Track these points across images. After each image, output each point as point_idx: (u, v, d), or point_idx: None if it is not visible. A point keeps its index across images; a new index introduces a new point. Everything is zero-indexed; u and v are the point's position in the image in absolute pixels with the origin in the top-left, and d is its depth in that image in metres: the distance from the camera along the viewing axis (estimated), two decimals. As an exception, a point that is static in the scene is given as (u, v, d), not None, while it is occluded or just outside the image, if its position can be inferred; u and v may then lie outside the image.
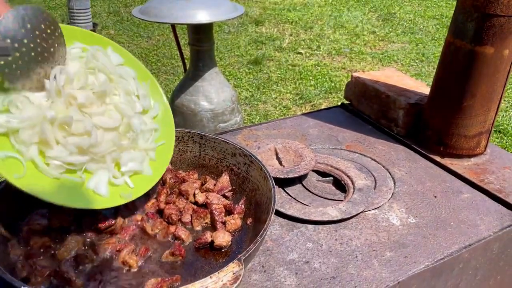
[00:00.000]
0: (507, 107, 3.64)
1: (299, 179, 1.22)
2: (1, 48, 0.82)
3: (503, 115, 3.47)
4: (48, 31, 0.90)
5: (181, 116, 2.30)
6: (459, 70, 1.28)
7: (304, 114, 1.64)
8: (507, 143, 3.12)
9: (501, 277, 1.20)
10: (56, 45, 0.92)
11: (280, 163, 1.27)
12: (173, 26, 2.38)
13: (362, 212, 1.11)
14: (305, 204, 1.13)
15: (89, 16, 2.33)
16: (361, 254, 0.99)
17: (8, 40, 0.83)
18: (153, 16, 2.05)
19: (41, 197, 0.82)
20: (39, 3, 6.05)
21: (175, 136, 1.19)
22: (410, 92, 1.50)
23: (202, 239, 0.95)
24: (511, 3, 1.15)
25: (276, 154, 1.30)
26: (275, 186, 0.98)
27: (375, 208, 1.14)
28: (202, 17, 2.03)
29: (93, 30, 2.38)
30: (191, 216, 1.02)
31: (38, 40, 0.88)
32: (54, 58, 0.92)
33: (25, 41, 0.86)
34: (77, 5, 2.24)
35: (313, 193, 1.19)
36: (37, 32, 0.88)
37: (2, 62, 0.83)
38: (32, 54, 0.87)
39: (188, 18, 2.02)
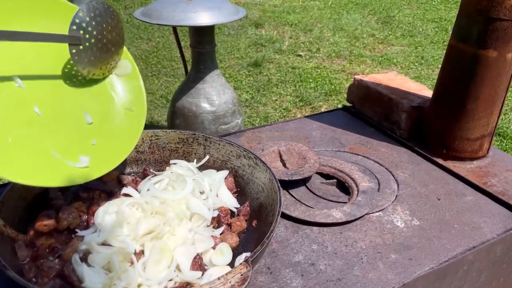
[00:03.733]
0: (506, 110, 3.66)
1: (303, 181, 1.22)
2: (75, 37, 0.93)
3: (502, 118, 3.49)
4: (113, 24, 1.01)
5: (182, 118, 2.31)
6: (462, 74, 1.29)
7: (306, 116, 1.64)
8: (507, 146, 3.13)
9: (504, 279, 1.21)
10: (118, 37, 1.03)
11: (284, 165, 1.27)
12: (174, 29, 2.38)
13: (366, 214, 1.11)
14: (309, 206, 1.14)
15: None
16: (366, 256, 0.99)
17: (81, 31, 0.94)
18: (155, 18, 2.05)
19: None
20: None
21: (180, 138, 1.20)
22: (413, 95, 1.50)
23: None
24: (514, 7, 1.16)
25: (280, 156, 1.30)
26: (280, 188, 0.98)
27: (379, 211, 1.14)
28: (204, 19, 2.03)
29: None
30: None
31: (105, 33, 0.99)
32: (116, 50, 1.04)
33: (94, 32, 0.97)
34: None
35: (317, 195, 1.19)
36: (104, 25, 0.99)
37: (74, 51, 0.94)
38: (99, 45, 0.98)
39: (190, 20, 2.03)
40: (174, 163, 1.15)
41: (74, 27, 0.93)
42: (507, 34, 1.19)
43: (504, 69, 1.24)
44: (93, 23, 0.96)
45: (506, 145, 3.15)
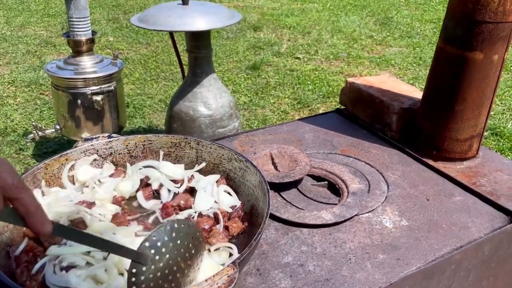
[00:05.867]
0: (503, 110, 3.67)
1: (294, 184, 1.24)
2: (143, 256, 0.74)
3: (499, 118, 3.49)
4: (193, 251, 0.84)
5: (180, 122, 2.33)
6: (450, 75, 1.31)
7: (300, 119, 1.66)
8: (504, 145, 3.14)
9: (493, 278, 1.22)
10: (191, 266, 0.85)
11: (276, 168, 1.29)
12: (171, 34, 2.41)
13: (355, 215, 1.13)
14: (300, 208, 1.16)
15: (88, 24, 2.37)
16: (354, 256, 1.01)
17: (152, 251, 0.75)
18: (151, 24, 2.08)
19: None
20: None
21: (172, 143, 1.22)
22: (404, 97, 1.52)
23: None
24: (499, 9, 1.18)
25: (272, 159, 1.32)
26: (269, 190, 1.00)
27: (369, 212, 1.16)
28: (199, 24, 2.06)
29: (92, 38, 2.41)
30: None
31: (178, 259, 0.80)
32: (183, 280, 0.83)
33: (167, 256, 0.78)
34: (76, 13, 2.27)
35: (308, 197, 1.21)
36: (182, 251, 0.81)
37: (134, 270, 0.73)
38: (166, 271, 0.78)
39: (186, 26, 2.05)
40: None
41: (147, 244, 0.75)
42: (492, 36, 1.21)
43: (491, 71, 1.26)
44: (171, 244, 0.78)
45: (503, 144, 3.16)
